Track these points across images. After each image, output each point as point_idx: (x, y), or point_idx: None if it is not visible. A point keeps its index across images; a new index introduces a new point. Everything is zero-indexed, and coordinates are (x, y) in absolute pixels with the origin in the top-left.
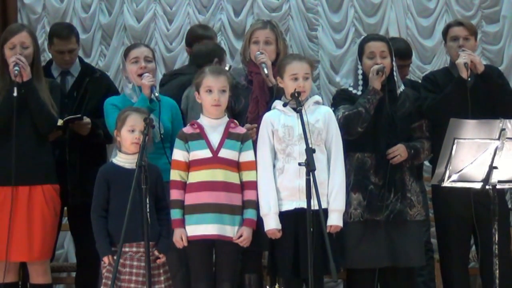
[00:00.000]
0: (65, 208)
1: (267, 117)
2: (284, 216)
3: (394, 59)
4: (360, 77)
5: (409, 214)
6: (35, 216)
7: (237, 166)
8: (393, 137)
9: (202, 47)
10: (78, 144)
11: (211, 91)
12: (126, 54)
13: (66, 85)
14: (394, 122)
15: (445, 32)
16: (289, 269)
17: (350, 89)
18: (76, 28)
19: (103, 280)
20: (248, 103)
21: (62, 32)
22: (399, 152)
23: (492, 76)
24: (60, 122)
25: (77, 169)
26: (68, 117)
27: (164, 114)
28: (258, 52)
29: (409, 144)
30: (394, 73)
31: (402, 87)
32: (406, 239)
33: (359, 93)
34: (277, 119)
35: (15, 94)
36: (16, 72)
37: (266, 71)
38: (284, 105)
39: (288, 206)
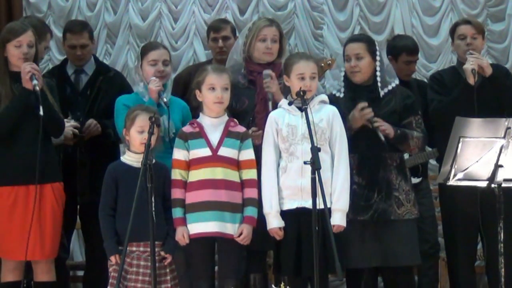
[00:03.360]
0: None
1: (272, 116)
2: (286, 215)
3: (378, 58)
4: (341, 79)
5: (396, 213)
6: (46, 214)
7: (237, 164)
8: (373, 137)
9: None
10: (89, 143)
11: (214, 89)
12: (143, 53)
13: (80, 83)
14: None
15: (452, 31)
16: (291, 268)
17: (334, 92)
18: None
19: (110, 280)
20: (252, 104)
21: (75, 27)
22: (386, 125)
23: (499, 78)
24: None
25: (87, 168)
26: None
27: (175, 115)
28: (267, 77)
29: (397, 127)
30: (377, 73)
31: (390, 86)
32: (395, 238)
33: (342, 95)
34: (282, 118)
35: (41, 113)
36: (36, 87)
37: (270, 102)
38: (290, 103)
39: (289, 205)
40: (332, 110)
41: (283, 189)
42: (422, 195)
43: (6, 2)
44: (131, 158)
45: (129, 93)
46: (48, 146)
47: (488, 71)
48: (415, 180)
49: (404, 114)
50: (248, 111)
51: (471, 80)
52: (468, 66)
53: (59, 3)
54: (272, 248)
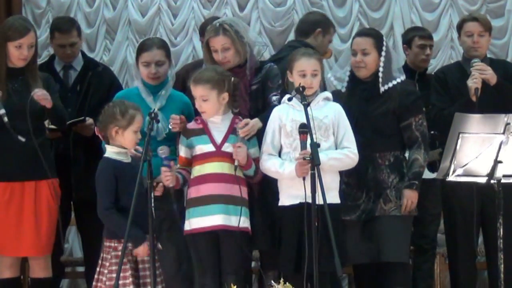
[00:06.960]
0: (71, 202)
1: (276, 111)
2: (287, 211)
3: (383, 54)
4: (347, 73)
5: (382, 209)
6: (42, 211)
7: None
8: (361, 136)
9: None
10: (83, 139)
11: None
12: (138, 53)
13: (69, 79)
14: (357, 122)
15: (459, 27)
16: (292, 265)
17: (339, 87)
18: (81, 22)
19: (107, 268)
20: None
21: (63, 25)
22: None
23: (505, 86)
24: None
25: (81, 164)
26: (70, 121)
27: (173, 111)
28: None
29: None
30: (380, 69)
31: (391, 83)
32: (380, 234)
33: (344, 90)
34: (286, 113)
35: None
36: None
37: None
38: (289, 99)
39: (293, 200)
40: (338, 107)
41: (285, 184)
42: (433, 192)
43: None
44: (118, 153)
45: (119, 88)
46: (43, 143)
47: (493, 81)
48: (431, 175)
49: (403, 114)
50: None
51: (473, 98)
52: (472, 84)
53: None
54: (258, 248)
